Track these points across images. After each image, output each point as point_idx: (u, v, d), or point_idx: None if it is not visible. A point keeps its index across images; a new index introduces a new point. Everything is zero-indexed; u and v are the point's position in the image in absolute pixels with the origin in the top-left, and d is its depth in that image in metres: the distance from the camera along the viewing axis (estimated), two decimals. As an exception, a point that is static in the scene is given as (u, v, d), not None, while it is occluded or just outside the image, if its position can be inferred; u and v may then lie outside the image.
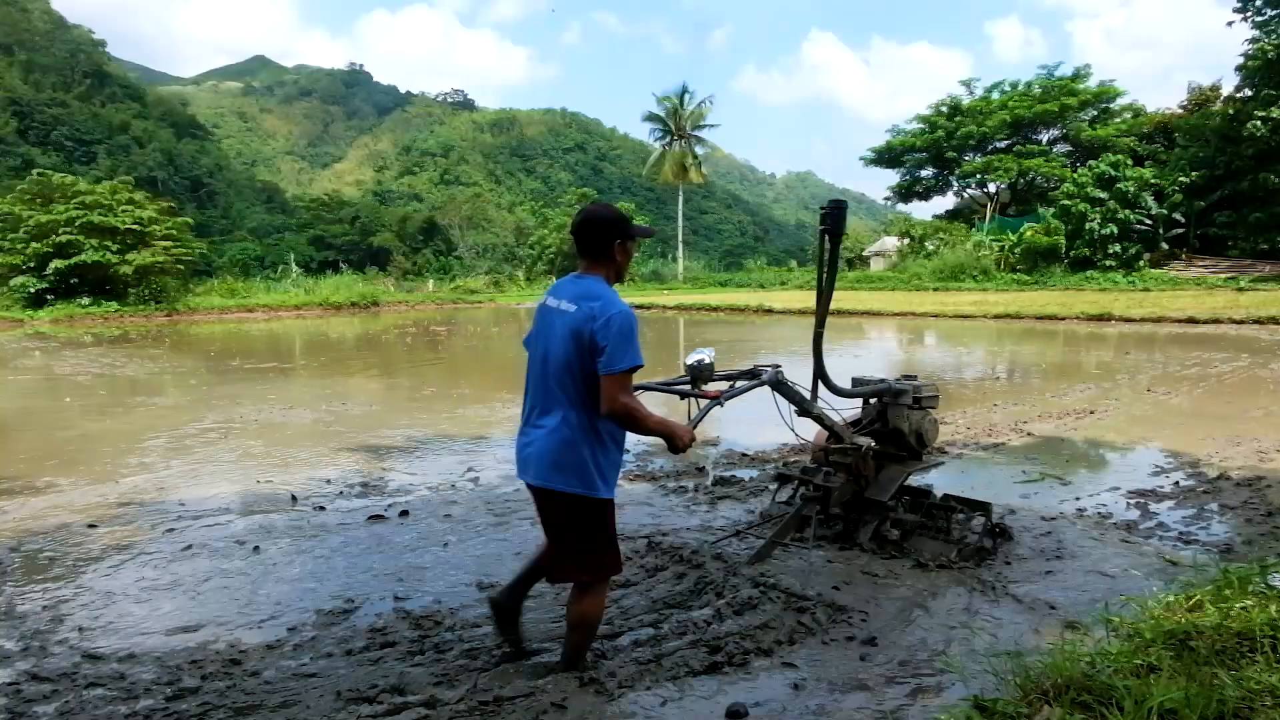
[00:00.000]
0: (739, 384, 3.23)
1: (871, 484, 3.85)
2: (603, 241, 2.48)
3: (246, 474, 5.68)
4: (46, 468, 5.96)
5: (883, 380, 4.00)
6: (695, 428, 2.66)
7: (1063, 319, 18.54)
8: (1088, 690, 2.12)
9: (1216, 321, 16.14)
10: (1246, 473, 5.09)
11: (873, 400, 4.01)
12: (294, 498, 4.93)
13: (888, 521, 3.83)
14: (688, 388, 2.97)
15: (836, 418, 3.68)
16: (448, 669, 2.71)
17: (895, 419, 3.92)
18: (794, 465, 4.96)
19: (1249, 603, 2.56)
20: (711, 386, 2.97)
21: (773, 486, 4.51)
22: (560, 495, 2.43)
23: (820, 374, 3.65)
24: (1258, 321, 15.75)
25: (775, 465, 5.51)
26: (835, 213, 3.45)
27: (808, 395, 3.53)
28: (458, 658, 2.80)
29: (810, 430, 3.88)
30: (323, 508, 4.73)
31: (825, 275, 3.59)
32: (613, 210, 2.56)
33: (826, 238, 3.49)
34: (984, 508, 3.83)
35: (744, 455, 5.86)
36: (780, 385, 3.35)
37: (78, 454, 6.53)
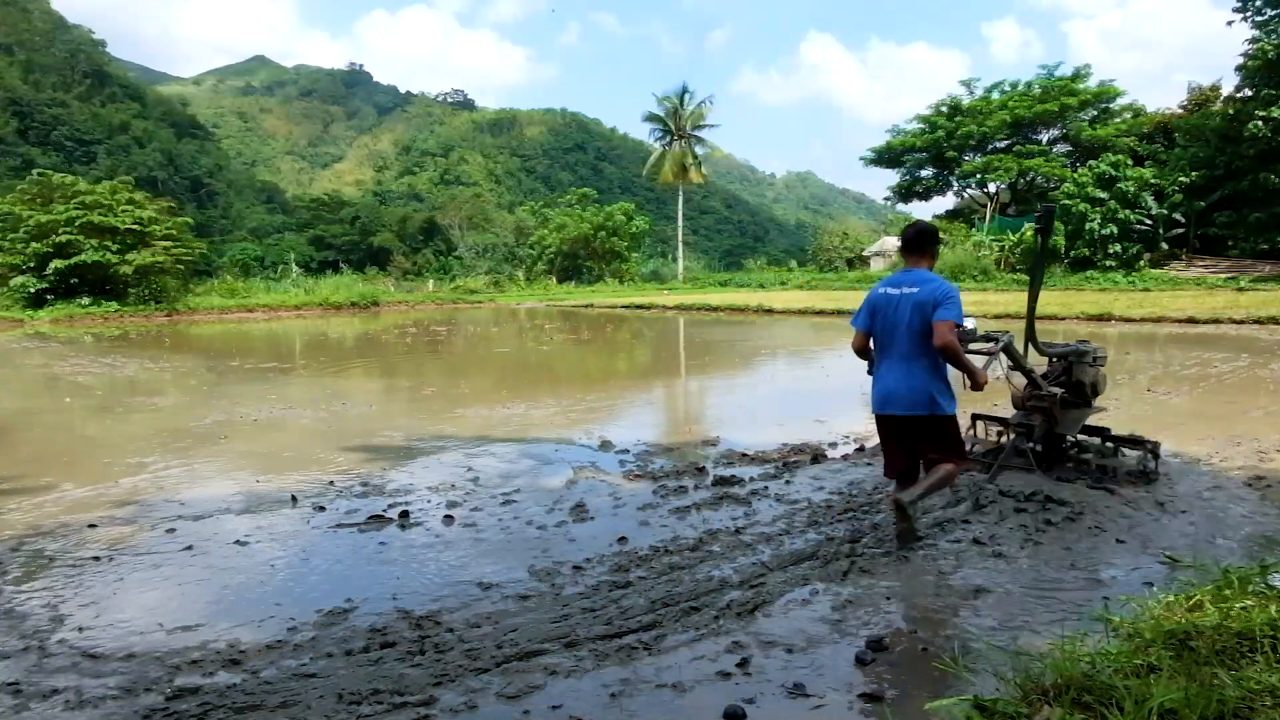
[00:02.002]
0: (989, 345, 4.25)
1: (1059, 423, 4.86)
2: (928, 244, 3.82)
3: (246, 474, 5.68)
4: (46, 468, 5.96)
5: (1068, 344, 5.09)
6: (985, 371, 3.84)
7: (1063, 319, 18.52)
8: (1088, 690, 2.12)
9: (1216, 321, 16.13)
10: (1246, 473, 5.09)
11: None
12: (294, 498, 4.93)
13: (1073, 450, 5.06)
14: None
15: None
16: (447, 669, 2.72)
17: (1079, 373, 4.97)
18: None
19: (1249, 603, 2.56)
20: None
21: (972, 429, 5.51)
22: (929, 418, 3.70)
23: (1031, 337, 4.72)
24: (1258, 321, 15.74)
25: (775, 464, 5.51)
26: (1047, 215, 4.54)
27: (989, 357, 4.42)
28: (458, 658, 2.80)
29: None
30: (323, 508, 4.73)
31: (1036, 266, 4.73)
32: (933, 225, 3.94)
33: (1038, 235, 4.59)
34: (1154, 445, 4.85)
35: (743, 455, 5.85)
36: (1009, 348, 4.33)
37: (78, 454, 6.53)
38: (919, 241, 3.79)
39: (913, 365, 3.64)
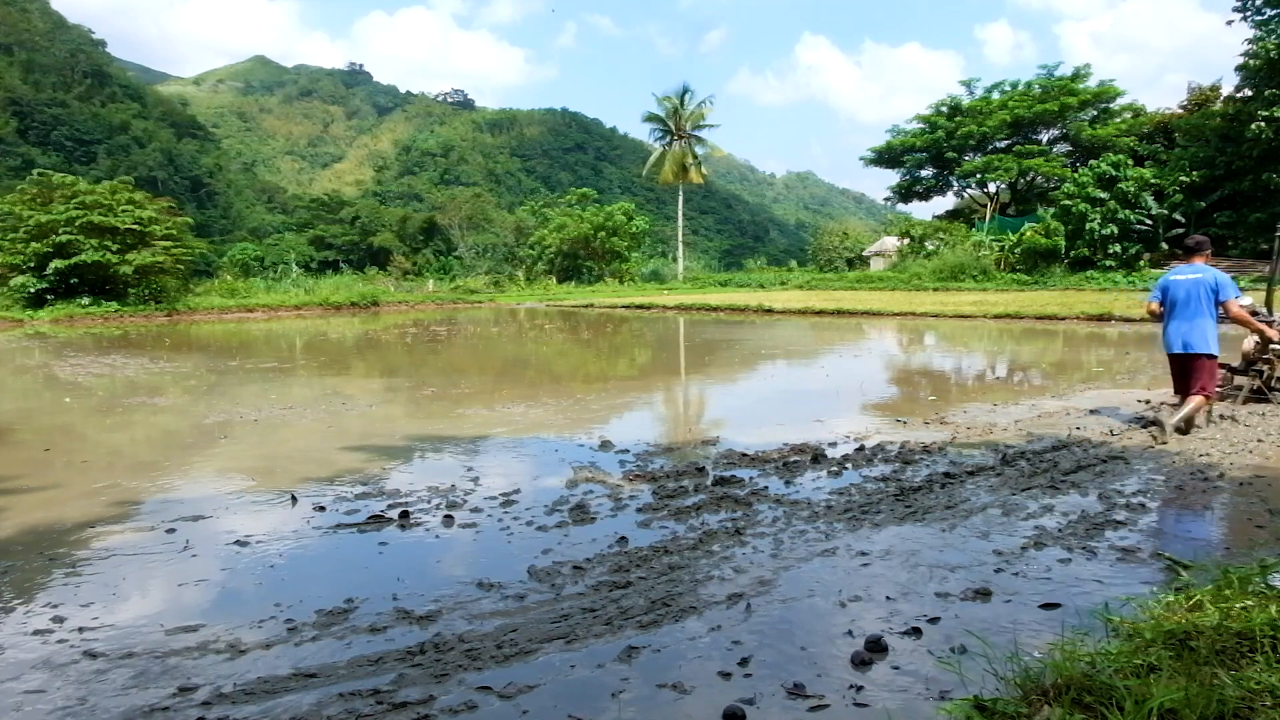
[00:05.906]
0: (1259, 316, 6.89)
1: (1278, 370, 7.41)
2: (1203, 249, 6.24)
3: (246, 474, 5.68)
4: (46, 468, 5.96)
5: None
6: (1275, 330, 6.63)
7: (1063, 319, 18.54)
8: (1088, 690, 2.12)
9: (1216, 321, 16.11)
10: (1246, 473, 5.09)
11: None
12: (294, 498, 4.93)
13: None
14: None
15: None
16: (447, 669, 2.72)
17: None
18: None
19: (1249, 603, 2.56)
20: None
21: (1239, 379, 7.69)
22: (1203, 355, 6.03)
23: (1269, 304, 7.51)
24: (1258, 321, 15.72)
25: (775, 464, 5.51)
26: None
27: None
28: (458, 658, 2.80)
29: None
30: (323, 507, 4.73)
31: (1274, 266, 7.97)
32: (1204, 236, 6.48)
33: (1278, 240, 7.51)
34: None
35: (744, 455, 5.85)
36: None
37: (77, 454, 6.53)
38: (1197, 249, 6.24)
39: (1195, 323, 6.04)
